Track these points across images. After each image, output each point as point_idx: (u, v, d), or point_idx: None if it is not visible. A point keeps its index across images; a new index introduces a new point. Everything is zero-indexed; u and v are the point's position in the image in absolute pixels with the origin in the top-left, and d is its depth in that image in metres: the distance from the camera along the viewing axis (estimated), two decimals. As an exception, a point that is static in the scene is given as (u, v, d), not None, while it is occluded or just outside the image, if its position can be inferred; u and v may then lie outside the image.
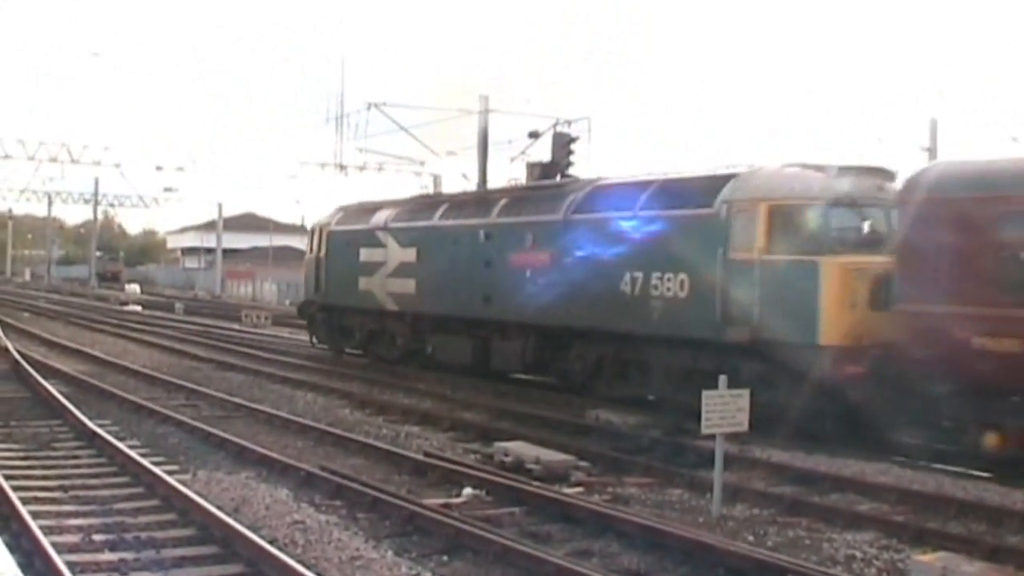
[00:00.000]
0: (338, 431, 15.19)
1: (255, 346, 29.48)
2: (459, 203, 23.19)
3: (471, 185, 31.26)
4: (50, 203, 79.90)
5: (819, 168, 15.35)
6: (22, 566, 6.87)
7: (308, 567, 7.97)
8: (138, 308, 50.09)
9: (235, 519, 9.34)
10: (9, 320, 35.99)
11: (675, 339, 16.32)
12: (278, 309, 46.84)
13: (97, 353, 25.71)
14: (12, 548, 7.50)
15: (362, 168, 38.75)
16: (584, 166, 23.99)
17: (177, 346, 28.91)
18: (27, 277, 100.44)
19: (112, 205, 77.56)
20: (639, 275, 16.88)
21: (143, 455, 12.52)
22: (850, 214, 15.06)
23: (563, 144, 23.67)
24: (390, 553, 8.83)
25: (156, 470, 11.36)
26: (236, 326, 37.99)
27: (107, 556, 8.59)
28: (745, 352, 15.07)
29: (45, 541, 8.39)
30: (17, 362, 21.61)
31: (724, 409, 10.83)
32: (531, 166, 23.32)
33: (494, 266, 20.42)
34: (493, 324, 20.70)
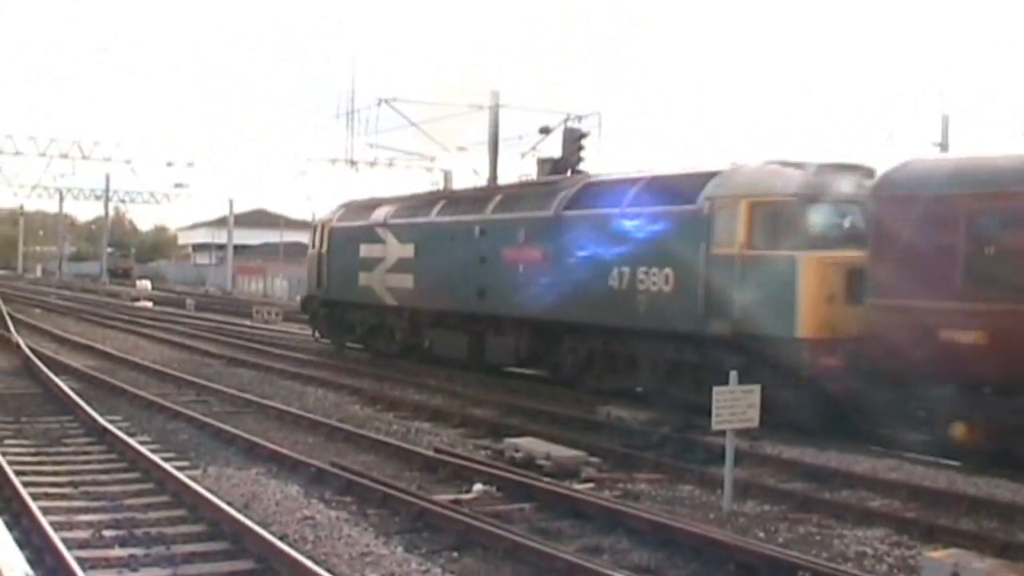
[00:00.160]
0: (348, 427, 15.21)
1: (266, 342, 29.51)
2: (455, 200, 23.37)
3: (482, 181, 31.24)
4: (61, 199, 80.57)
5: (799, 166, 15.59)
6: (32, 562, 6.86)
7: (318, 563, 7.96)
8: (149, 304, 50.14)
9: (245, 515, 9.34)
10: (20, 316, 36.05)
11: (661, 332, 16.63)
12: (289, 305, 46.81)
13: (108, 349, 25.77)
14: (22, 544, 7.49)
15: (372, 164, 38.77)
16: (595, 162, 24.05)
17: (188, 342, 28.98)
18: (38, 273, 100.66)
19: (123, 201, 78.08)
20: (627, 270, 17.10)
21: (153, 451, 12.53)
22: (829, 210, 15.21)
23: (573, 140, 23.66)
24: (400, 549, 8.83)
25: (166, 466, 11.36)
26: (247, 322, 38.05)
27: (117, 552, 8.60)
28: (728, 345, 15.32)
29: (55, 537, 8.38)
30: (28, 358, 21.68)
31: (735, 405, 10.84)
32: (542, 162, 23.30)
33: (488, 262, 20.57)
34: (487, 319, 20.90)
